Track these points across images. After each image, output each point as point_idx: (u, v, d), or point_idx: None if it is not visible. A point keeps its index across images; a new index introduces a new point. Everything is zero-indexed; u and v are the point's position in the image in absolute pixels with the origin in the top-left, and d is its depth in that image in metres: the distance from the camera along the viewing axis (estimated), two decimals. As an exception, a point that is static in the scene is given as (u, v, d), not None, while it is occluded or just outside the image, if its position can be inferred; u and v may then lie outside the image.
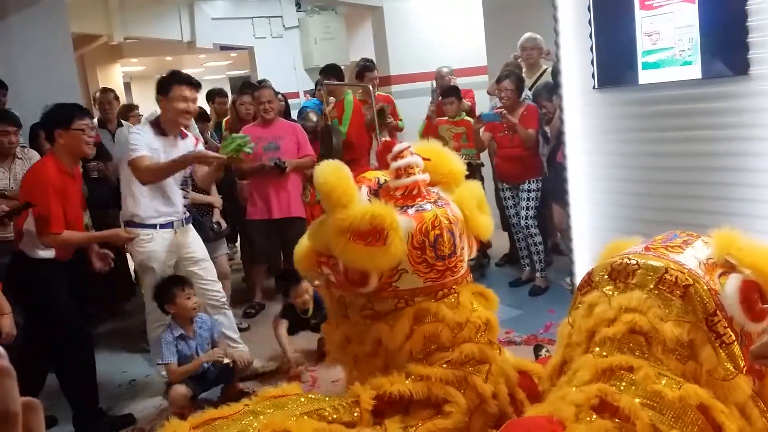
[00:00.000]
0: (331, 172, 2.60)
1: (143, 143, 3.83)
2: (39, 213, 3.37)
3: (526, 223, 5.31)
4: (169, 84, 3.90)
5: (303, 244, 2.95)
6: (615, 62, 3.55)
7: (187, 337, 3.79)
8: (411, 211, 2.65)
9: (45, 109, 3.91)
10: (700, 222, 2.79)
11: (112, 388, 4.24)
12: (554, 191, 4.90)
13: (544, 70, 5.69)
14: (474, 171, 5.36)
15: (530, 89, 5.55)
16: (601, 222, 3.77)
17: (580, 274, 3.29)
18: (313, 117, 5.95)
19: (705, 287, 2.04)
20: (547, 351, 3.75)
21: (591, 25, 3.59)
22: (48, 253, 3.49)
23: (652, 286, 2.11)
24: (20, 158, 4.29)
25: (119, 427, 3.69)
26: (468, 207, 2.79)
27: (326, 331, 3.04)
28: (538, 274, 5.40)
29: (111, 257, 3.80)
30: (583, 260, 3.77)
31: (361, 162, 6.68)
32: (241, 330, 4.64)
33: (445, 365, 2.58)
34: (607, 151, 3.69)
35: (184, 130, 4.09)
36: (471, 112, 6.26)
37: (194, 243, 4.11)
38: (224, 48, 11.90)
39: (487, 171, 5.84)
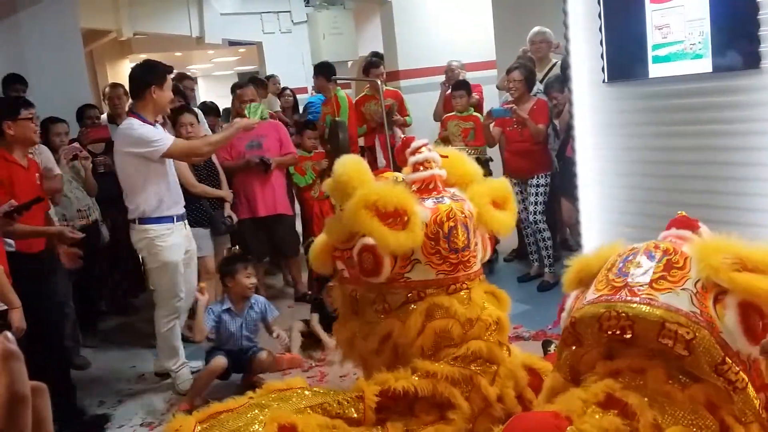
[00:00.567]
0: (351, 164, 2.70)
1: (160, 132, 3.85)
2: None
3: (535, 218, 5.28)
4: (164, 73, 3.90)
5: (319, 241, 2.97)
6: (625, 56, 3.52)
7: (234, 313, 3.91)
8: (428, 202, 2.70)
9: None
10: (711, 217, 2.77)
11: (122, 383, 4.26)
12: (563, 186, 4.87)
13: (554, 64, 5.66)
14: (482, 166, 5.34)
15: (540, 82, 5.51)
16: (610, 217, 3.75)
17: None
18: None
19: (707, 336, 1.90)
20: (556, 346, 3.74)
21: (601, 19, 3.57)
22: (8, 247, 3.42)
23: (652, 346, 1.98)
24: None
25: (95, 428, 3.68)
26: (480, 203, 2.79)
27: (336, 329, 3.05)
28: (546, 270, 5.38)
29: (79, 255, 3.77)
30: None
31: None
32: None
33: (452, 362, 2.57)
34: (617, 146, 3.67)
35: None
36: (479, 106, 6.24)
37: (191, 238, 4.13)
38: (233, 43, 11.92)
39: (496, 166, 5.80)
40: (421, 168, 2.78)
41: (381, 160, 6.41)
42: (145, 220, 3.83)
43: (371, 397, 2.46)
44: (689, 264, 2.02)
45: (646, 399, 1.89)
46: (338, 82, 6.54)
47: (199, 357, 4.28)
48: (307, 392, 2.53)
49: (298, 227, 5.92)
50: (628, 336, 1.99)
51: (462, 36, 8.47)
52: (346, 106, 6.25)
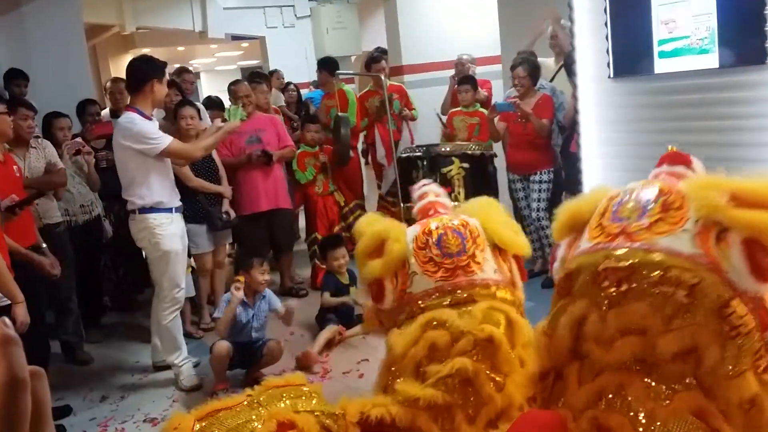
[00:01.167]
0: (366, 222, 2.90)
1: (157, 129, 3.89)
2: None
3: (538, 215, 5.26)
4: (163, 67, 3.95)
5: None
6: (631, 51, 3.50)
7: (248, 304, 3.98)
8: (420, 223, 2.85)
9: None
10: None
11: (125, 378, 4.26)
12: (568, 182, 4.85)
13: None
14: (486, 162, 5.33)
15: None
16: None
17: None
18: None
19: (714, 279, 1.79)
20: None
21: (606, 13, 3.55)
22: None
23: (653, 290, 1.84)
24: (34, 147, 4.30)
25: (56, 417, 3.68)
26: (487, 219, 2.82)
27: None
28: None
29: (56, 263, 3.73)
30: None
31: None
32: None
33: (436, 383, 2.43)
34: (623, 142, 3.65)
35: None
36: (486, 103, 6.20)
37: (185, 233, 4.15)
38: (236, 38, 11.90)
39: (500, 162, 5.77)
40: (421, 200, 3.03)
41: (381, 155, 6.41)
42: (144, 210, 3.88)
43: (353, 414, 2.41)
44: (687, 203, 1.90)
45: (631, 415, 1.79)
46: (341, 77, 6.57)
47: (201, 353, 4.29)
48: (302, 393, 2.49)
49: (302, 223, 5.91)
50: (624, 289, 1.86)
51: (467, 30, 8.44)
52: (353, 100, 6.30)
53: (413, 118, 6.68)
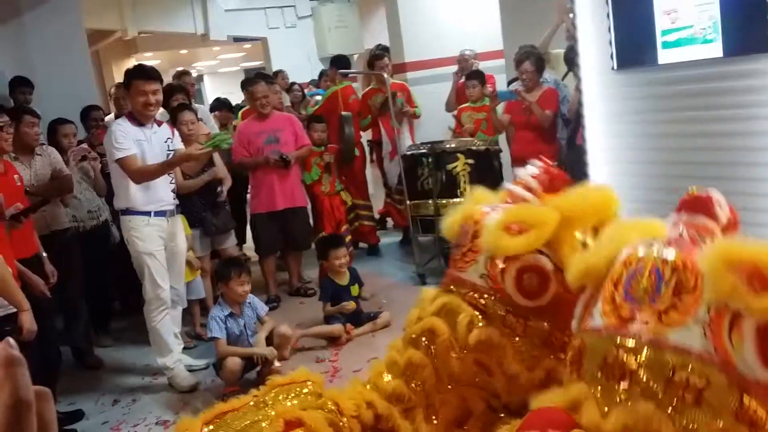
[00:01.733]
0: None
1: (129, 139, 3.91)
2: None
3: (544, 208, 5.24)
4: (129, 79, 4.00)
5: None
6: (634, 42, 3.49)
7: (236, 315, 4.00)
8: None
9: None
10: (724, 203, 2.73)
11: (136, 381, 4.28)
12: (573, 174, 4.83)
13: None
14: (492, 157, 5.32)
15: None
16: (622, 205, 3.71)
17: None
18: None
19: (723, 381, 1.70)
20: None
21: (608, 5, 3.53)
22: None
23: (661, 396, 1.76)
24: (39, 155, 4.32)
25: (66, 423, 3.70)
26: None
27: None
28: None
29: (54, 273, 3.80)
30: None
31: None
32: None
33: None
34: (628, 133, 3.64)
35: (158, 118, 4.20)
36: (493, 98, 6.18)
37: (179, 235, 4.19)
38: (238, 39, 11.89)
39: (505, 157, 5.76)
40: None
41: (387, 150, 6.41)
42: (123, 212, 4.03)
43: (350, 408, 2.40)
44: (701, 283, 1.79)
45: None
46: (342, 75, 6.61)
47: (207, 356, 4.31)
48: (306, 389, 2.49)
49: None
50: (630, 387, 1.79)
51: (468, 25, 8.41)
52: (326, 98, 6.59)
53: (415, 116, 6.68)
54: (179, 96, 5.31)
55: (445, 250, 5.69)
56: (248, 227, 6.14)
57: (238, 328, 4.00)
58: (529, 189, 2.62)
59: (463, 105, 6.04)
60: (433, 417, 2.39)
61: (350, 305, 4.57)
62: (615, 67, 3.58)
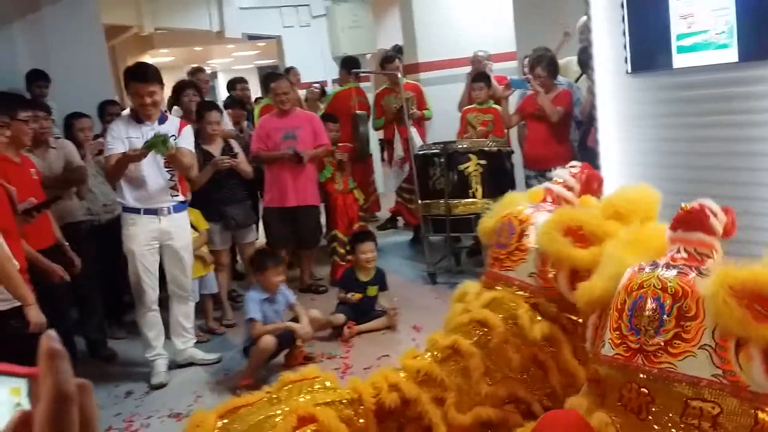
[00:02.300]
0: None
1: (116, 138, 3.99)
2: None
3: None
4: (126, 80, 4.08)
5: None
6: (649, 46, 3.49)
7: (272, 300, 4.14)
8: None
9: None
10: (737, 208, 2.74)
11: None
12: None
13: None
14: (503, 158, 5.33)
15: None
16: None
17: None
18: None
19: (735, 404, 1.74)
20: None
21: (624, 8, 3.54)
22: None
23: (677, 421, 1.81)
24: (54, 148, 4.37)
25: None
26: (550, 220, 2.52)
27: None
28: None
29: (77, 261, 3.95)
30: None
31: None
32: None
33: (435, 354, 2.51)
34: (641, 137, 3.64)
35: (168, 114, 4.29)
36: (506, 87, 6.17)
37: (177, 232, 4.19)
38: (252, 37, 11.93)
39: (517, 158, 5.77)
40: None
41: (399, 153, 6.42)
42: (122, 208, 4.15)
43: (368, 391, 2.44)
44: (702, 309, 1.80)
45: None
46: (355, 76, 6.67)
47: (224, 349, 4.34)
48: (317, 385, 2.52)
49: (322, 220, 5.96)
50: (647, 418, 1.85)
51: (482, 27, 8.42)
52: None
53: (424, 118, 6.69)
54: (189, 92, 5.34)
55: (456, 250, 5.71)
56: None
57: (272, 311, 4.12)
58: (569, 188, 2.71)
59: (468, 106, 6.04)
60: (467, 409, 2.42)
61: (354, 297, 4.63)
62: (629, 71, 3.59)
